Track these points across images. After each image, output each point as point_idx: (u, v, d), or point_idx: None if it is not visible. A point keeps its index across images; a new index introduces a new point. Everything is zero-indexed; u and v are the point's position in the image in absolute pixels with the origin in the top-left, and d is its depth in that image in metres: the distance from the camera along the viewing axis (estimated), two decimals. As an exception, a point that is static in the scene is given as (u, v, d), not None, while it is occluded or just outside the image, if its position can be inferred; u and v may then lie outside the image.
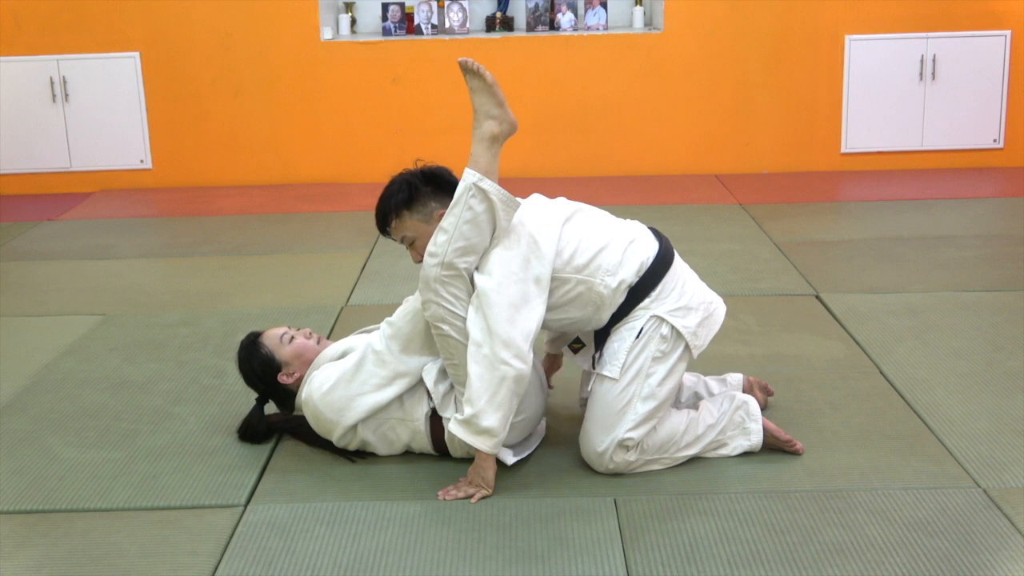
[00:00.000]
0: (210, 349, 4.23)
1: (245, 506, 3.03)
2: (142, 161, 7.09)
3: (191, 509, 3.03)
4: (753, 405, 3.25)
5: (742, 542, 2.78)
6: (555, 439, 3.36)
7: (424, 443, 3.22)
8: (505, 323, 2.94)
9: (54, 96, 6.98)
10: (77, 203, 6.78)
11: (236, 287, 5.02)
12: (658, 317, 3.07)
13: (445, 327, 3.02)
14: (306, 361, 3.31)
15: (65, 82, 6.96)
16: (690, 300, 3.12)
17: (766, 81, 6.97)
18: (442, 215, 3.03)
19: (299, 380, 3.31)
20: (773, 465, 3.17)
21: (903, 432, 3.36)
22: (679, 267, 3.19)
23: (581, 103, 7.00)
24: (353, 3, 7.21)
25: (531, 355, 3.00)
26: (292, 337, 3.33)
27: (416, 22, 7.06)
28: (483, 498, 3.02)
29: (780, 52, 6.93)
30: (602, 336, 3.16)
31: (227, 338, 4.34)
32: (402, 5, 7.03)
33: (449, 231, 2.96)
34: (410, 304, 3.17)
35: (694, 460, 3.20)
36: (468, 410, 2.98)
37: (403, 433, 3.21)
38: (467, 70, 2.94)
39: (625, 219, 3.27)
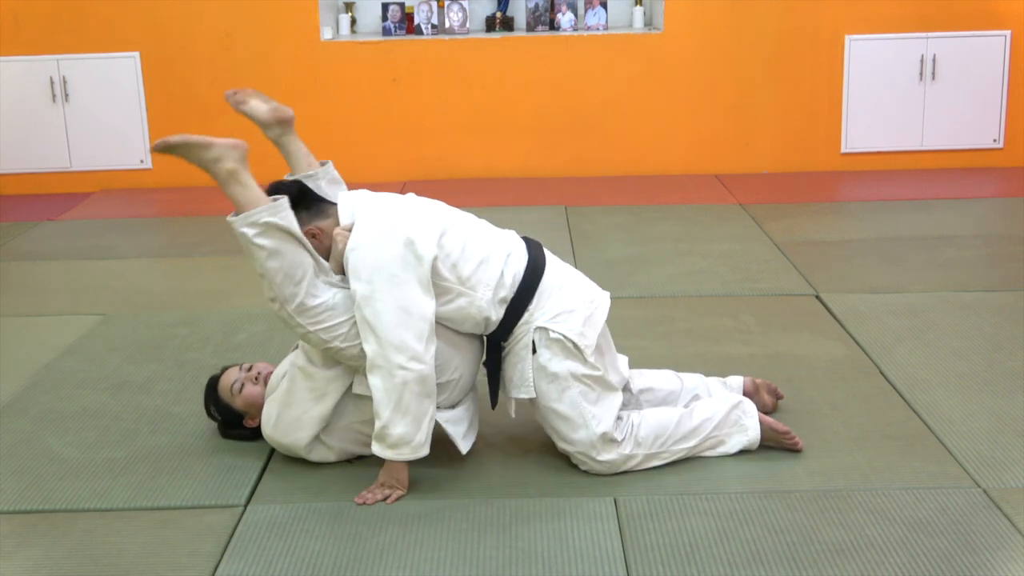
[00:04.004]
0: (210, 349, 4.23)
1: (245, 506, 3.03)
2: (142, 161, 7.09)
3: (191, 509, 3.03)
4: (749, 405, 3.25)
5: (742, 542, 2.78)
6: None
7: None
8: (395, 327, 2.92)
9: (54, 96, 6.98)
10: (77, 203, 6.78)
11: (236, 287, 5.01)
12: (542, 327, 3.08)
13: (334, 344, 3.01)
14: (260, 406, 3.29)
15: (65, 82, 6.96)
16: (569, 303, 3.11)
17: (766, 81, 6.96)
18: (311, 231, 3.07)
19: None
20: (773, 465, 3.17)
21: (903, 432, 3.36)
22: (553, 272, 3.18)
23: (581, 103, 7.00)
24: (353, 3, 7.21)
25: (430, 352, 2.96)
26: (242, 386, 3.30)
27: (416, 22, 7.06)
28: (399, 498, 3.03)
29: (780, 52, 6.93)
30: (494, 363, 3.18)
31: (227, 338, 4.34)
32: (402, 5, 7.03)
33: (265, 275, 2.96)
34: None
35: (694, 460, 3.20)
36: (377, 424, 2.97)
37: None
38: (163, 150, 2.97)
39: (501, 228, 3.27)
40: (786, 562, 2.68)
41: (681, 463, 3.19)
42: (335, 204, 3.15)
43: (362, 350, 2.99)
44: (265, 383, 3.30)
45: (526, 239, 3.25)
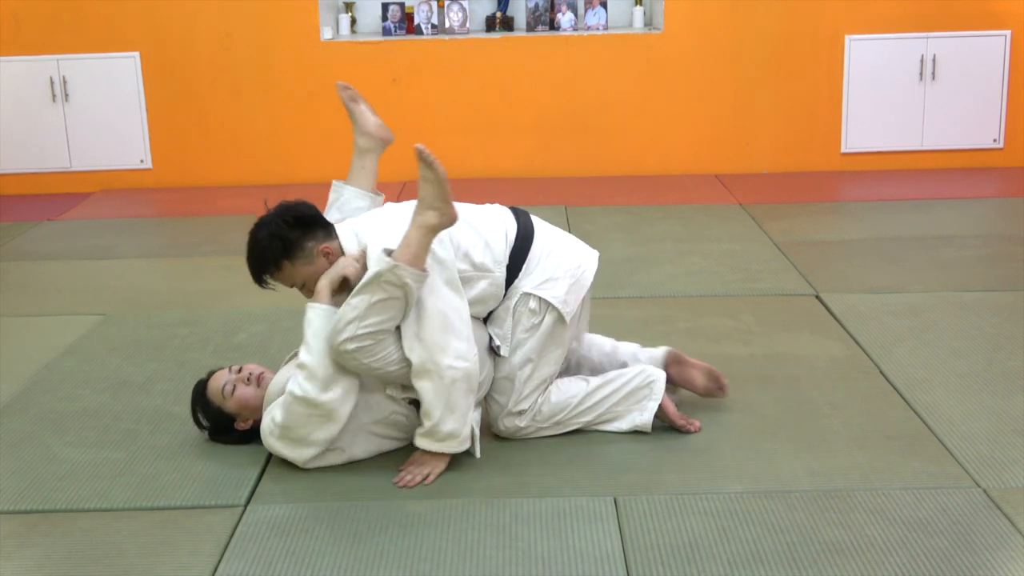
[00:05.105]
0: (210, 349, 4.23)
1: (245, 506, 3.03)
2: (142, 161, 7.09)
3: (191, 509, 3.03)
4: (659, 385, 3.35)
5: (742, 542, 2.78)
6: (554, 438, 3.36)
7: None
8: (438, 331, 3.03)
9: (54, 96, 6.98)
10: (77, 203, 6.78)
11: (236, 287, 5.00)
12: (527, 293, 3.23)
13: (387, 370, 3.07)
14: (254, 408, 3.26)
15: (65, 82, 6.96)
16: (555, 271, 3.26)
17: (766, 81, 6.96)
18: (325, 249, 3.12)
19: (257, 421, 3.27)
20: (773, 465, 3.17)
21: (903, 432, 3.36)
22: (542, 240, 3.32)
23: (581, 103, 7.00)
24: (353, 3, 7.21)
25: (473, 349, 3.08)
26: (233, 387, 3.26)
27: (416, 22, 7.06)
28: (438, 476, 3.12)
29: (780, 52, 6.93)
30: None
31: (227, 338, 4.34)
32: (402, 5, 7.04)
33: (359, 309, 2.97)
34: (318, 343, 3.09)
35: (694, 459, 3.20)
36: (427, 423, 3.06)
37: (390, 430, 3.25)
38: (423, 159, 2.98)
39: (487, 205, 3.41)
40: (786, 562, 2.68)
41: (681, 462, 3.20)
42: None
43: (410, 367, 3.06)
44: (258, 383, 3.27)
45: (513, 209, 3.39)
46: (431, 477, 3.11)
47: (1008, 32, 6.85)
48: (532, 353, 3.25)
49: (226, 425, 3.31)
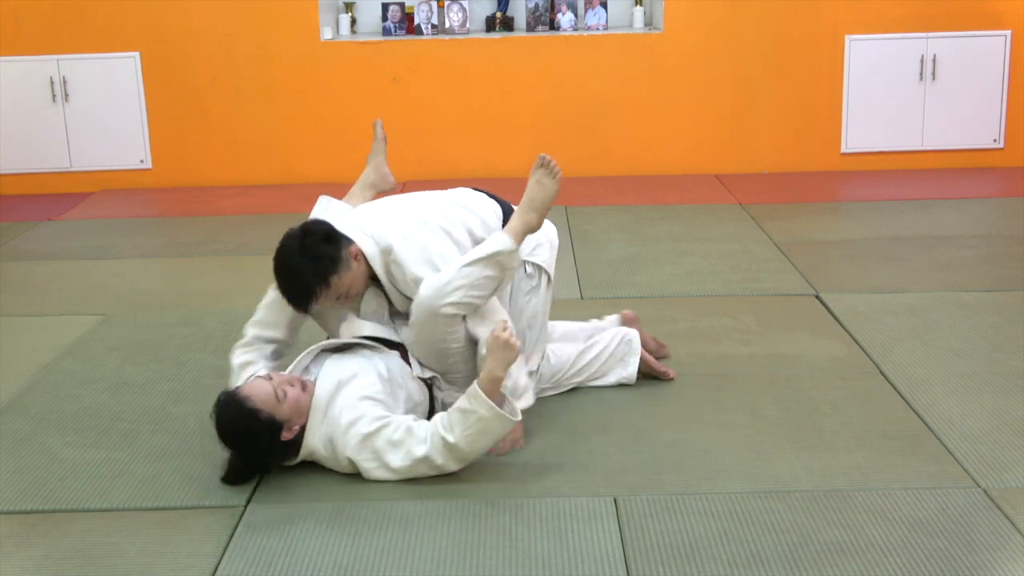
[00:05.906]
0: (210, 349, 4.23)
1: (245, 506, 3.03)
2: (142, 161, 7.09)
3: (191, 509, 3.03)
4: (636, 341, 3.69)
5: (742, 542, 2.78)
6: (554, 438, 3.36)
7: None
8: (497, 304, 3.33)
9: (54, 96, 6.98)
10: (77, 203, 6.78)
11: (236, 287, 5.01)
12: (523, 260, 3.44)
13: (447, 344, 3.27)
14: (302, 412, 3.12)
15: (65, 82, 6.96)
16: (538, 238, 3.50)
17: (766, 81, 6.96)
18: (354, 253, 3.24)
19: (300, 430, 3.13)
20: (773, 465, 3.17)
21: (903, 432, 3.36)
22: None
23: (581, 103, 7.00)
24: (353, 3, 7.21)
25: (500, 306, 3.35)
26: (285, 392, 3.08)
27: (416, 22, 7.06)
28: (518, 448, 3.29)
29: (780, 52, 6.93)
30: None
31: (227, 338, 4.33)
32: (402, 5, 7.03)
33: (471, 278, 3.18)
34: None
35: (694, 459, 3.21)
36: (508, 383, 3.19)
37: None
38: (548, 167, 3.22)
39: (455, 188, 3.63)
40: (786, 562, 2.68)
41: (681, 462, 3.20)
42: None
43: (466, 344, 3.29)
44: (303, 388, 3.13)
45: (478, 189, 3.62)
46: (520, 441, 3.29)
47: (1008, 32, 6.85)
48: (537, 313, 3.50)
49: (277, 433, 3.07)
